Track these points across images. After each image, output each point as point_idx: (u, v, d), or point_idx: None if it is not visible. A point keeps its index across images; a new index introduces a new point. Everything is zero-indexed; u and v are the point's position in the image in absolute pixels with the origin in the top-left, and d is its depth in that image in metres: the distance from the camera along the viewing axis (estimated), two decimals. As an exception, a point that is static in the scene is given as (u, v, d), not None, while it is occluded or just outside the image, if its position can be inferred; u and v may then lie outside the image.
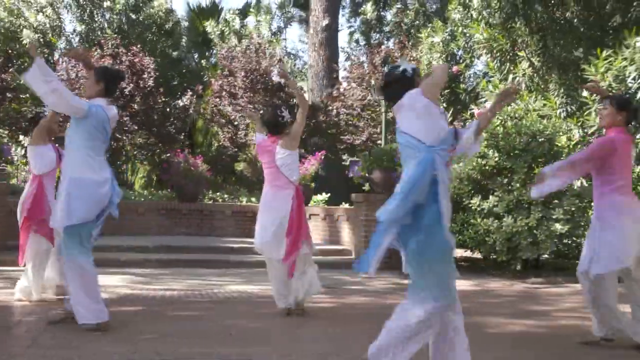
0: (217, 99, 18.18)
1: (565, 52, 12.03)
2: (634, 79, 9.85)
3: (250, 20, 23.84)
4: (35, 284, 6.54)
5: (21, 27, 20.17)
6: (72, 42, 21.85)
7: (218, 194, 15.19)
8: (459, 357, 3.71)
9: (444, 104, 14.98)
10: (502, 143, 10.08)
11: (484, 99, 12.89)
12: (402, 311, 3.75)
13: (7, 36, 19.67)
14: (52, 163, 6.66)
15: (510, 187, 9.84)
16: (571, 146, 10.59)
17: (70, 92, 5.30)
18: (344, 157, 18.05)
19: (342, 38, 47.21)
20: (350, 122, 18.44)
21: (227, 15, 23.94)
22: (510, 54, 12.59)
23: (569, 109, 11.40)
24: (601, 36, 11.73)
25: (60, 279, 6.33)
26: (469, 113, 13.15)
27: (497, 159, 10.12)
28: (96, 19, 21.86)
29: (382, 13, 26.62)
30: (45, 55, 19.64)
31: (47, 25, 20.84)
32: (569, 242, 10.02)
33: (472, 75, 16.42)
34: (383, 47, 20.69)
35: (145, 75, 16.91)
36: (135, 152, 17.76)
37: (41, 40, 20.26)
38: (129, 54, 17.16)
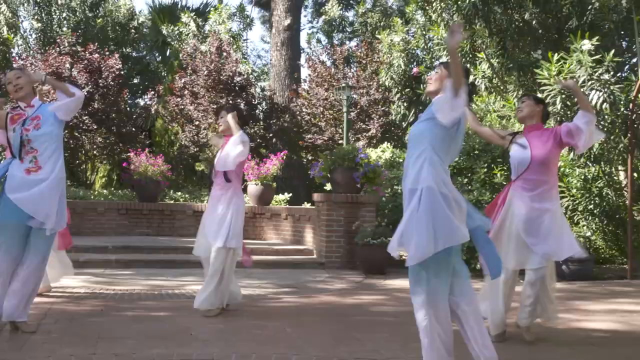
0: (179, 98, 18.04)
1: (523, 53, 12.22)
2: (584, 81, 10.05)
3: (212, 19, 23.65)
4: None
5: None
6: (27, 40, 21.51)
7: (179, 193, 15.08)
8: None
9: (405, 104, 15.09)
10: (462, 143, 10.18)
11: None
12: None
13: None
14: None
15: (470, 187, 9.96)
16: (529, 147, 10.75)
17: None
18: (308, 156, 18.10)
19: (305, 38, 47.25)
20: (312, 122, 18.47)
21: (184, 17, 23.71)
22: (470, 56, 12.74)
23: (527, 110, 11.56)
24: (558, 39, 11.94)
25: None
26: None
27: (457, 159, 10.23)
28: (54, 16, 21.53)
29: (345, 13, 26.73)
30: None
31: (2, 23, 20.45)
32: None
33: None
34: (345, 47, 20.79)
35: (105, 74, 16.71)
36: (95, 152, 17.53)
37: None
38: (86, 52, 16.94)
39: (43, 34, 21.10)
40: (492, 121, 10.61)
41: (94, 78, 16.57)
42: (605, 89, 9.88)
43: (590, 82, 10.03)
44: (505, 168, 10.13)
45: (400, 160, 11.99)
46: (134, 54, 24.04)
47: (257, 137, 17.49)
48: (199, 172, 18.60)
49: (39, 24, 21.27)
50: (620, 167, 11.24)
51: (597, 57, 10.01)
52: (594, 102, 9.93)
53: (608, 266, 11.15)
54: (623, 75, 11.89)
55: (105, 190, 15.78)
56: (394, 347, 5.05)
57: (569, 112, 10.41)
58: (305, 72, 20.57)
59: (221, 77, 17.49)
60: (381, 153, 13.08)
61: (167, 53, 24.49)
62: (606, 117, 10.11)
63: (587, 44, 10.01)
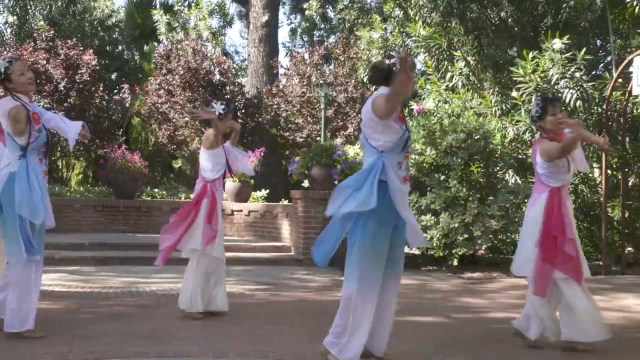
0: (155, 97, 17.91)
1: (499, 51, 12.31)
2: (557, 80, 10.16)
3: (193, 15, 23.51)
4: None
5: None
6: (3, 34, 21.25)
7: (156, 190, 15.00)
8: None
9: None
10: (440, 140, 10.25)
11: (422, 97, 13.09)
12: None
13: None
14: None
15: (447, 184, 10.02)
16: (505, 144, 10.86)
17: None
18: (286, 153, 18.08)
19: (283, 34, 47.19)
20: (290, 119, 18.44)
21: (156, 14, 23.54)
22: (447, 53, 12.80)
23: (504, 107, 11.67)
24: (534, 36, 12.04)
25: None
26: (407, 110, 13.31)
27: (434, 156, 10.29)
28: (29, 11, 21.29)
29: (325, 10, 26.74)
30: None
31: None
32: (504, 237, 10.26)
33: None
34: (325, 43, 20.78)
35: (82, 70, 16.54)
36: (70, 148, 17.34)
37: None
38: (64, 47, 16.77)
39: (19, 28, 20.85)
40: (468, 118, 10.67)
41: (70, 73, 16.40)
42: (578, 87, 9.99)
43: (563, 81, 10.13)
44: (482, 165, 10.21)
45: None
46: (109, 48, 23.83)
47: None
48: (177, 169, 18.52)
49: (14, 18, 21.01)
50: (594, 165, 11.36)
51: (569, 54, 10.13)
52: (567, 100, 10.04)
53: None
54: (597, 73, 12.03)
55: (81, 187, 15.65)
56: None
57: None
58: (282, 69, 20.51)
59: (198, 76, 17.37)
60: (359, 150, 13.09)
61: (145, 47, 24.32)
62: (580, 114, 10.22)
63: (558, 43, 10.13)
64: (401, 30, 14.20)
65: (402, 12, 13.83)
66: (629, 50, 11.22)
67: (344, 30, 23.04)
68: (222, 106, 6.25)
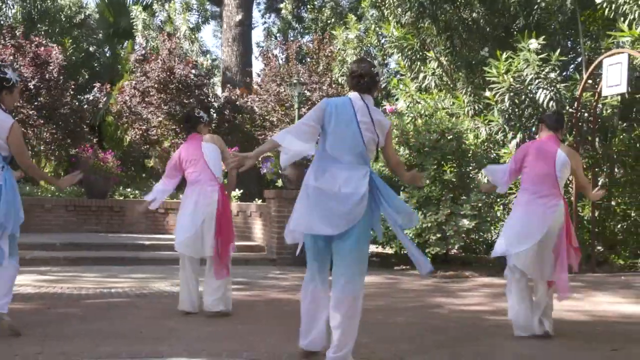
0: (128, 98, 17.75)
1: (471, 52, 12.41)
2: (531, 79, 10.27)
3: (171, 10, 23.40)
4: None
5: None
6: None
7: (129, 190, 14.89)
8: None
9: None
10: (413, 140, 10.30)
11: (395, 97, 13.16)
12: None
13: None
14: None
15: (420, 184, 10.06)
16: (478, 144, 10.94)
17: None
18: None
19: (257, 34, 47.13)
20: (265, 117, 18.40)
21: (133, 13, 23.36)
22: (420, 53, 12.88)
23: (476, 108, 11.77)
24: (506, 37, 12.16)
25: None
26: (380, 109, 13.38)
27: (407, 155, 10.34)
28: (2, 6, 21.02)
29: (298, 10, 26.73)
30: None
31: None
32: (476, 237, 10.34)
33: (385, 72, 16.67)
34: (298, 42, 20.78)
35: (51, 67, 16.32)
36: (41, 147, 17.13)
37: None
38: (32, 45, 16.54)
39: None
40: (441, 118, 10.75)
41: (40, 71, 16.18)
42: (552, 88, 10.11)
43: (537, 81, 10.25)
44: (454, 165, 10.28)
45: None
46: (84, 45, 23.59)
47: (209, 133, 17.33)
48: (149, 168, 18.38)
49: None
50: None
51: (543, 55, 10.24)
52: (540, 100, 10.15)
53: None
54: (568, 74, 12.18)
55: (52, 187, 15.47)
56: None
57: (516, 110, 10.63)
58: (257, 67, 20.52)
59: (174, 78, 17.24)
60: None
61: (119, 46, 24.12)
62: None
63: (534, 43, 10.24)
64: (376, 29, 14.27)
65: (377, 11, 13.89)
66: (598, 51, 11.37)
67: (317, 30, 23.05)
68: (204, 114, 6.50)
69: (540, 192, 5.42)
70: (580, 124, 10.68)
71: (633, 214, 11.49)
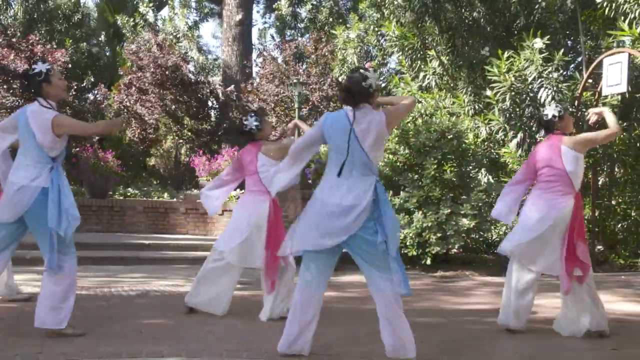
0: (125, 96, 17.73)
1: (472, 51, 12.40)
2: (534, 79, 10.27)
3: (165, 13, 23.46)
4: None
5: None
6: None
7: (129, 189, 14.89)
8: None
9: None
10: (413, 140, 10.30)
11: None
12: None
13: None
14: None
15: (420, 183, 10.07)
16: (478, 143, 10.94)
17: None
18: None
19: (257, 34, 47.09)
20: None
21: (141, 8, 23.35)
22: (421, 52, 12.87)
23: (477, 107, 11.76)
24: (506, 36, 12.15)
25: None
26: (380, 109, 13.37)
27: (407, 155, 10.33)
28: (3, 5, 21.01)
29: (296, 10, 26.70)
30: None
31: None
32: (476, 236, 10.33)
33: (386, 72, 16.67)
34: (296, 42, 20.75)
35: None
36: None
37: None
38: (29, 45, 16.49)
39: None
40: (441, 118, 10.74)
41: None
42: (554, 87, 10.11)
43: (539, 80, 10.24)
44: (455, 164, 10.27)
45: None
46: (84, 46, 23.57)
47: (207, 133, 17.36)
48: (150, 167, 18.38)
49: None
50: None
51: (545, 54, 10.24)
52: (542, 100, 10.15)
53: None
54: (568, 74, 12.17)
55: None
56: (345, 343, 5.09)
57: (517, 109, 10.62)
58: (256, 68, 20.49)
59: (171, 73, 17.24)
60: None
61: (118, 46, 24.11)
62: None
63: (538, 42, 10.23)
64: (376, 29, 14.26)
65: (377, 11, 13.89)
66: (599, 51, 11.36)
67: (314, 29, 23.03)
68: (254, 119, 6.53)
69: (550, 190, 5.42)
70: (580, 123, 10.67)
71: (633, 214, 11.49)
